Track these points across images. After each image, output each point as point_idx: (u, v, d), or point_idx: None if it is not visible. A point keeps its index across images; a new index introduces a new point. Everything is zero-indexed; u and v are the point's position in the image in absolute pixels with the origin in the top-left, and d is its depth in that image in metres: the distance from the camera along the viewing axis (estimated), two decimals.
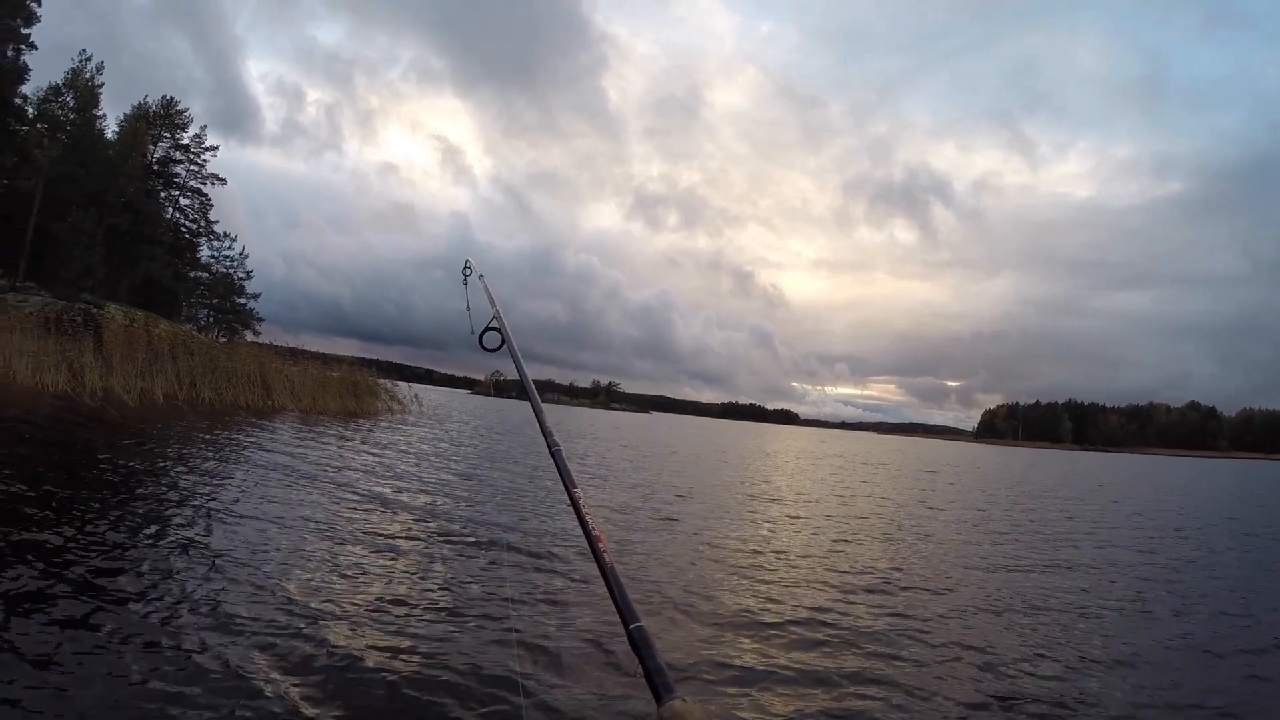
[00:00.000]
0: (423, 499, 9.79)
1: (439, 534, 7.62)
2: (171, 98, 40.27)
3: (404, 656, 4.21)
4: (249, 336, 37.73)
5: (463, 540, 7.39)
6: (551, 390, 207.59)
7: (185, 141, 40.84)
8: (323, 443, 15.20)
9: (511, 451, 19.10)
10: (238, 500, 8.07)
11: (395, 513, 8.60)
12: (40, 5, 30.66)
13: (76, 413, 14.52)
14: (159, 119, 39.65)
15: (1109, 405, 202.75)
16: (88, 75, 32.12)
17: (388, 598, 5.20)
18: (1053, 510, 15.87)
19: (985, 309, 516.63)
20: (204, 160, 41.30)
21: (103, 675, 3.55)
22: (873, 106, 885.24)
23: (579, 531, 1.26)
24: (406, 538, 7.29)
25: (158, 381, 20.02)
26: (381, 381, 30.55)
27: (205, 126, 41.46)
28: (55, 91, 32.62)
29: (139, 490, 8.15)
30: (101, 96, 32.95)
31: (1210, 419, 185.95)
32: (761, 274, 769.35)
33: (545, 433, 1.58)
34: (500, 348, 2.15)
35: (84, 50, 32.45)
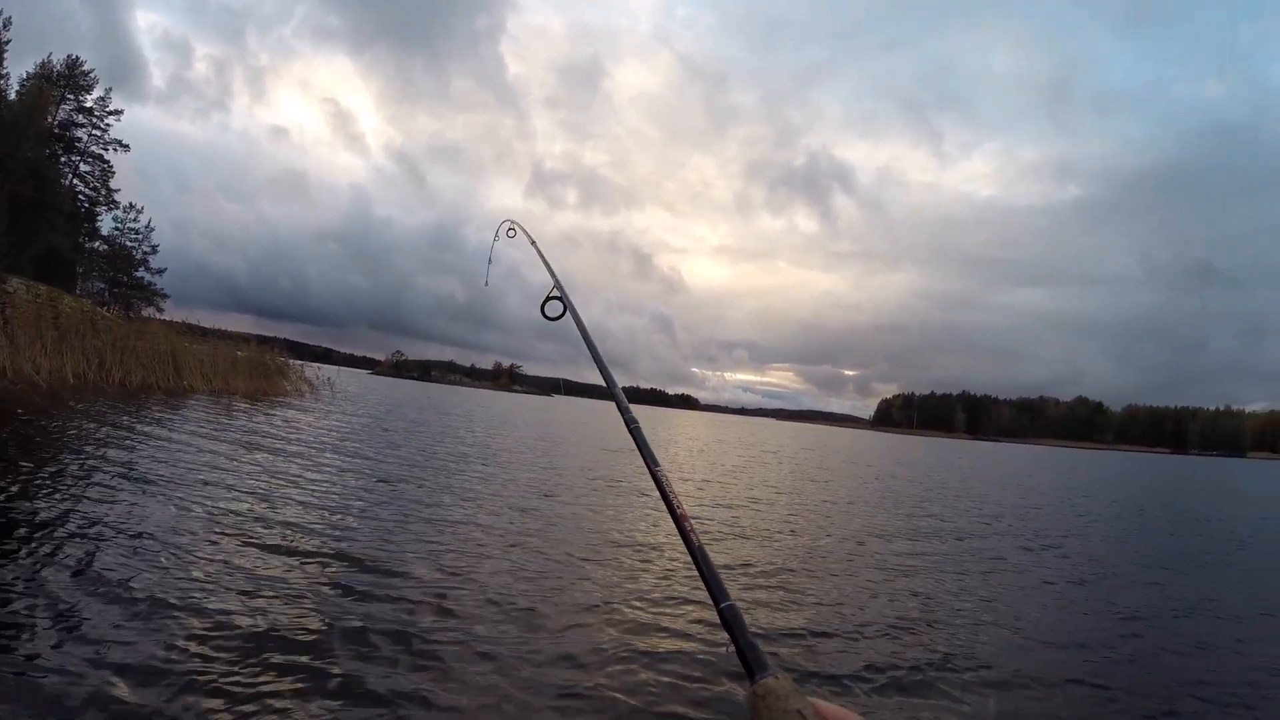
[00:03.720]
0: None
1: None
2: (76, 57, 39.03)
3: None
4: (151, 313, 37.12)
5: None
6: (453, 372, 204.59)
7: (89, 104, 39.66)
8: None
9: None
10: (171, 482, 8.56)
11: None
12: None
13: None
14: (62, 79, 38.32)
15: (1002, 398, 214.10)
16: None
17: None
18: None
19: (885, 301, 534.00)
20: (107, 124, 40.19)
21: None
22: (784, 97, 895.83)
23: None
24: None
25: (68, 360, 20.14)
26: (292, 363, 30.82)
27: (110, 89, 40.31)
28: None
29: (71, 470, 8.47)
30: (7, 55, 31.73)
31: (1098, 413, 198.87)
32: (661, 257, 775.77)
33: (622, 409, 1.61)
34: (562, 315, 2.11)
35: None
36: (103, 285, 40.08)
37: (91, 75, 39.53)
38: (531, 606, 5.59)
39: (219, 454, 11.59)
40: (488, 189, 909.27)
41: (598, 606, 5.79)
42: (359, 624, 4.83)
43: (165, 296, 40.46)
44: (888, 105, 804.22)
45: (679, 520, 1.16)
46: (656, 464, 1.30)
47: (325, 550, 6.60)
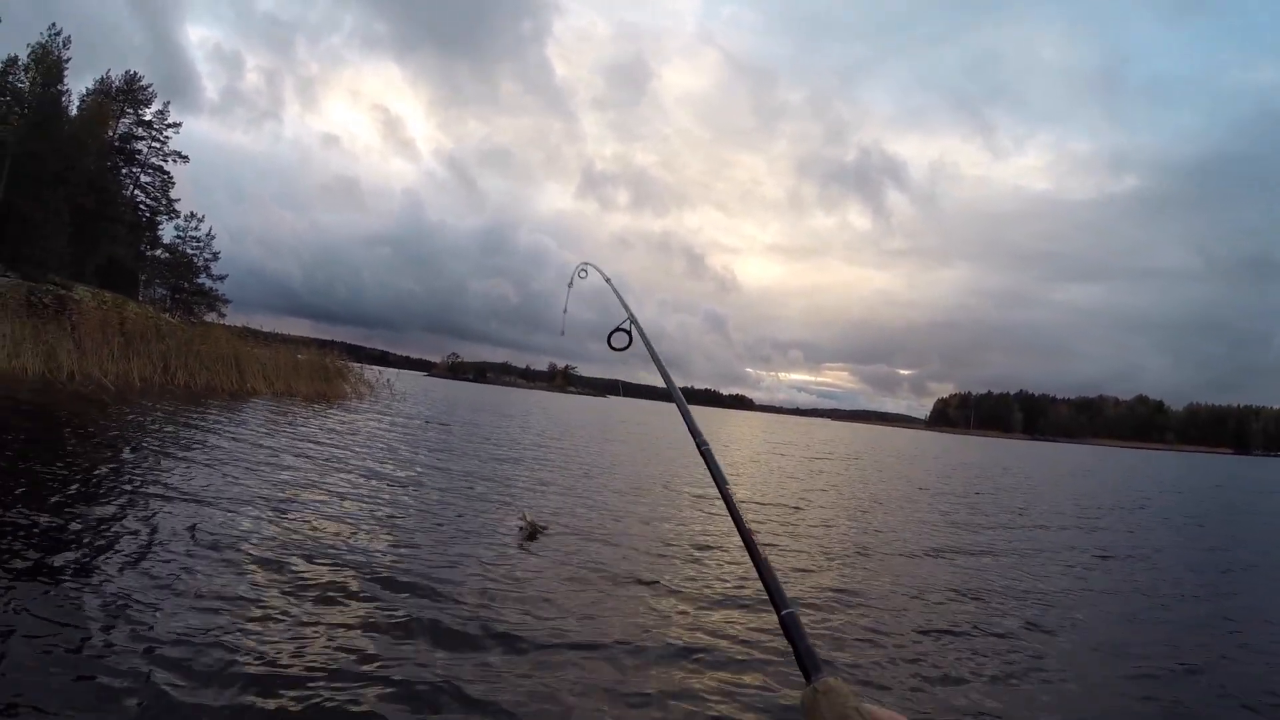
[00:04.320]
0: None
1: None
2: (135, 73, 39.80)
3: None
4: (212, 318, 37.51)
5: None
6: (508, 373, 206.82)
7: (148, 118, 40.39)
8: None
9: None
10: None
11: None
12: None
13: (62, 396, 14.77)
14: (121, 94, 39.15)
15: (1059, 396, 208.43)
16: (54, 51, 31.52)
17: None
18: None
19: (939, 298, 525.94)
20: (166, 137, 40.90)
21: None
22: (833, 92, 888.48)
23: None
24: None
25: (134, 365, 20.21)
26: (351, 365, 30.85)
27: (169, 102, 41.05)
28: (13, 63, 31.88)
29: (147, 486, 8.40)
30: (67, 72, 32.31)
31: (1158, 412, 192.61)
32: (714, 257, 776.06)
33: (693, 432, 1.61)
34: (627, 347, 2.22)
35: (53, 24, 31.86)
36: (165, 291, 40.63)
37: (150, 90, 40.33)
38: (582, 608, 5.43)
39: (278, 456, 11.35)
40: (538, 192, 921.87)
41: (652, 611, 5.63)
42: (404, 620, 4.76)
43: (227, 302, 40.96)
44: (937, 99, 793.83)
45: (745, 534, 1.22)
46: (726, 483, 1.38)
47: (375, 553, 6.37)
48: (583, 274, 3.00)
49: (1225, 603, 7.82)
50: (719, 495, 1.34)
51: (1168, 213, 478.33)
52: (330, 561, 5.91)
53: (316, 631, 4.42)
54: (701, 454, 1.52)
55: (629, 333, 2.27)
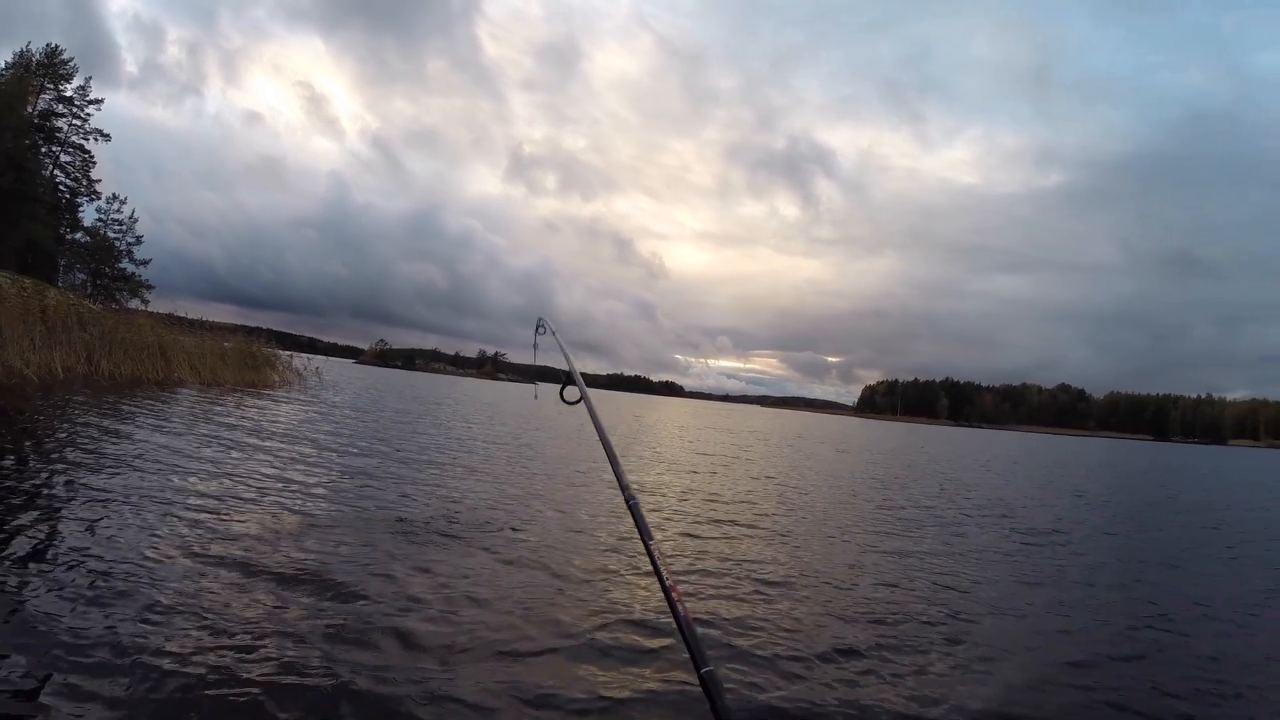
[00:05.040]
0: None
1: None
2: (56, 46, 38.78)
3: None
4: (135, 304, 36.98)
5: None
6: (438, 360, 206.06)
7: (69, 94, 39.42)
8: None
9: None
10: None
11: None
12: None
13: None
14: (42, 68, 38.10)
15: (985, 384, 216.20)
16: None
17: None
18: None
19: (867, 287, 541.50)
20: (88, 114, 39.97)
21: None
22: (764, 79, 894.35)
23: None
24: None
25: (56, 355, 20.18)
26: (279, 353, 30.86)
27: (90, 78, 40.09)
28: None
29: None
30: None
31: (1080, 400, 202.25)
32: (643, 243, 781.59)
33: (622, 486, 1.63)
34: (579, 401, 2.48)
35: None
36: (85, 277, 39.77)
37: (71, 64, 39.29)
38: (489, 634, 4.82)
39: (198, 450, 11.39)
40: (467, 173, 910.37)
41: (565, 636, 4.98)
42: (295, 654, 4.16)
43: (150, 288, 40.26)
44: (868, 89, 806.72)
45: (667, 591, 1.26)
46: (650, 538, 1.42)
47: (281, 565, 5.87)
48: (541, 330, 3.29)
49: (1159, 590, 8.01)
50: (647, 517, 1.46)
51: (1094, 208, 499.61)
52: (232, 562, 5.66)
53: (204, 631, 4.22)
54: (629, 508, 1.55)
55: (578, 385, 2.51)
